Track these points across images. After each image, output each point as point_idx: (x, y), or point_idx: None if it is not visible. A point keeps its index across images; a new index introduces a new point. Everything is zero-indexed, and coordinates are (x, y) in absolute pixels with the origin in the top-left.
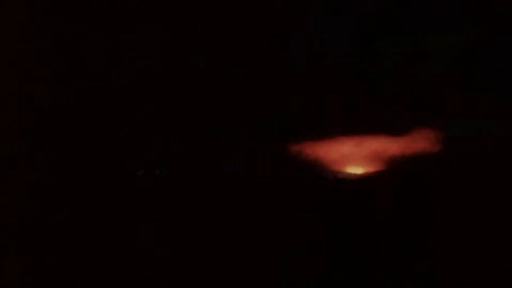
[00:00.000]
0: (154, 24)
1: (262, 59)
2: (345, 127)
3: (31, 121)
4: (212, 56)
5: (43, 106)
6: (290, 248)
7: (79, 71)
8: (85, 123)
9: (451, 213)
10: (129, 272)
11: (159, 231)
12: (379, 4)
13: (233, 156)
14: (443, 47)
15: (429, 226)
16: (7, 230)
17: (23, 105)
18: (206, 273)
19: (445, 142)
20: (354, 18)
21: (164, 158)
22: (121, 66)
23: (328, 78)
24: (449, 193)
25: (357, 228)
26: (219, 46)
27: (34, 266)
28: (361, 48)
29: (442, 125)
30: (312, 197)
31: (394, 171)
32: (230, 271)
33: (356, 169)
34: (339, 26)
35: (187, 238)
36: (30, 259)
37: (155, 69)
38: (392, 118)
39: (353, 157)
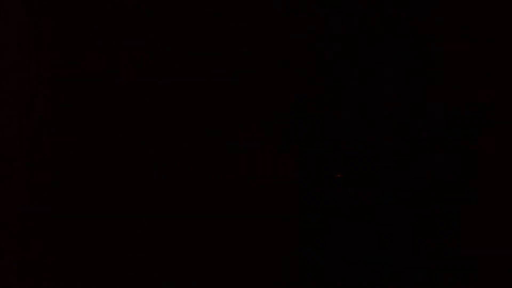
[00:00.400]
0: (153, 24)
1: (261, 60)
2: None
3: (31, 121)
4: (211, 56)
5: (43, 106)
6: (286, 248)
7: (79, 70)
8: (85, 123)
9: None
10: (129, 272)
11: (159, 231)
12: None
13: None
14: None
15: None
16: (7, 230)
17: (23, 105)
18: (205, 273)
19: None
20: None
21: (164, 158)
22: (121, 66)
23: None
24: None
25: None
26: (218, 46)
27: (34, 266)
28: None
29: None
30: (307, 197)
31: None
32: (229, 271)
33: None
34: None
35: (186, 238)
36: (30, 259)
37: (154, 69)
38: None
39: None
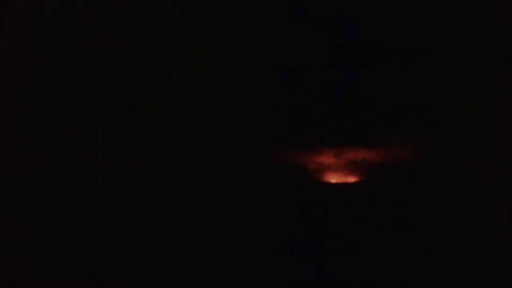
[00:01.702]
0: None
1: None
2: (325, 136)
3: (30, 120)
4: (211, 56)
5: (42, 105)
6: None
7: (77, 69)
8: (86, 124)
9: (437, 220)
10: (129, 272)
11: (159, 231)
12: None
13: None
14: None
15: (415, 235)
16: (7, 230)
17: (23, 105)
18: (205, 273)
19: (426, 151)
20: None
21: (165, 159)
22: (120, 65)
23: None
24: (433, 201)
25: (345, 235)
26: (218, 47)
27: (33, 265)
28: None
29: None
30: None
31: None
32: (227, 271)
33: (336, 179)
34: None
35: (184, 237)
36: (30, 258)
37: (154, 69)
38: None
39: (333, 167)
